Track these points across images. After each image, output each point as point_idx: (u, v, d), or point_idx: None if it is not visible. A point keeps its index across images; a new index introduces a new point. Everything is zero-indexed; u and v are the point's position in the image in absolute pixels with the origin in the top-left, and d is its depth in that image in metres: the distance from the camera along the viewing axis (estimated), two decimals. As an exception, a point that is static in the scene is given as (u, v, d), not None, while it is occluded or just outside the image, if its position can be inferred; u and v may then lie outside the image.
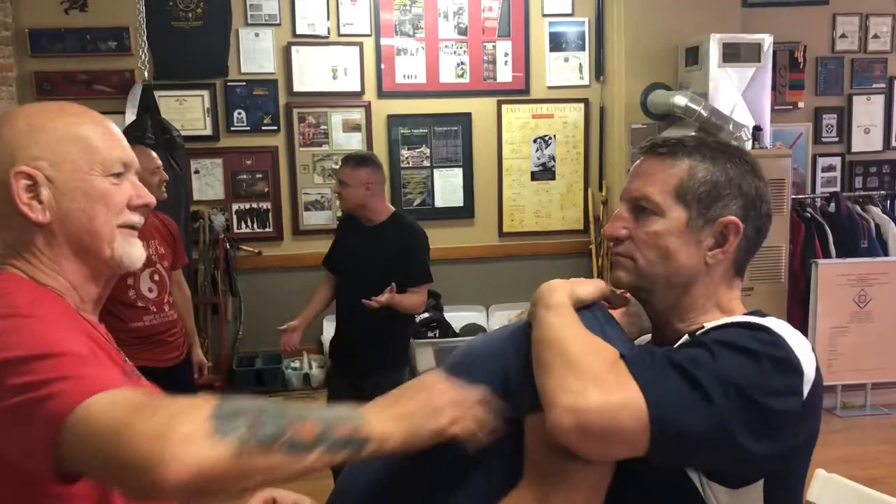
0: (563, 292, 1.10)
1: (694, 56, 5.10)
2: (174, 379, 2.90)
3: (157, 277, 3.04)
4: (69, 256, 1.12)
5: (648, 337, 1.27)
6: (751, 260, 1.21)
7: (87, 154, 1.11)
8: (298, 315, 3.44)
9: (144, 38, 4.21)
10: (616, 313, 1.22)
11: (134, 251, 1.16)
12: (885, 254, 5.24)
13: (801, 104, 5.71)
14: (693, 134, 1.08)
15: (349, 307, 3.30)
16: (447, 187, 5.38)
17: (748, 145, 4.88)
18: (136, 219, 1.16)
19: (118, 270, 1.17)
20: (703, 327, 1.13)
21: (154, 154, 3.14)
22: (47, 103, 1.17)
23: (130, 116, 4.54)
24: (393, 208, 3.42)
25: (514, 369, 1.09)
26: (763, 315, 1.13)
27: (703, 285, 1.16)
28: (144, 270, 2.98)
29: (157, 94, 4.78)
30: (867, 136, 5.88)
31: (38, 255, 1.11)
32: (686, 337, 1.14)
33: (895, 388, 4.93)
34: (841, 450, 4.20)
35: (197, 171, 5.06)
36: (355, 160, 3.32)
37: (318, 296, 3.53)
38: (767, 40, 5.04)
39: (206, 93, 5.03)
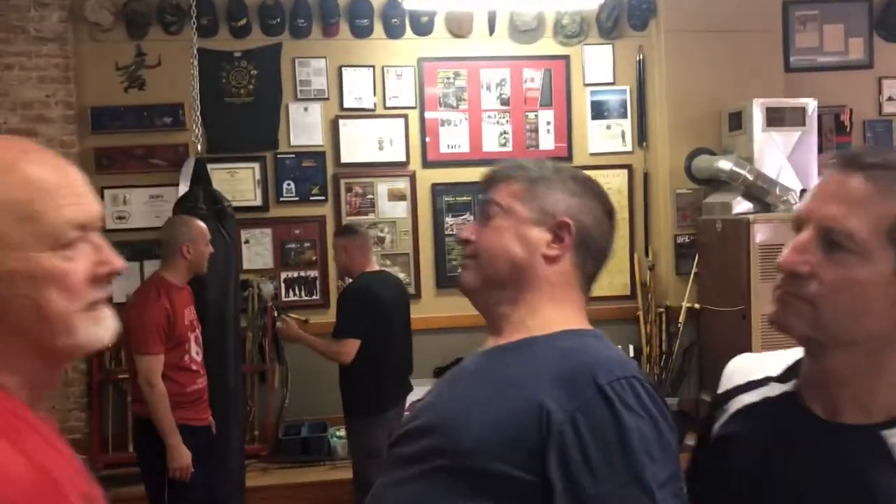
0: None
1: (737, 121, 5.11)
2: (205, 439, 3.18)
3: (199, 340, 3.15)
4: (18, 349, 0.87)
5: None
6: None
7: (25, 225, 0.84)
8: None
9: (198, 114, 4.37)
10: None
11: (101, 330, 0.91)
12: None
13: (849, 167, 5.64)
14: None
15: None
16: (491, 254, 5.40)
17: (795, 209, 4.83)
18: (102, 294, 0.91)
19: (80, 355, 0.99)
20: None
21: (205, 227, 3.24)
22: None
23: (184, 188, 4.69)
24: (367, 270, 3.89)
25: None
26: None
27: (891, 345, 0.93)
28: (192, 333, 3.09)
29: (209, 166, 4.91)
30: (920, 199, 5.77)
31: None
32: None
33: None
34: None
35: (247, 241, 5.18)
36: (336, 231, 4.17)
37: None
38: (812, 104, 5.04)
39: (256, 165, 5.18)
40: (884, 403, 0.93)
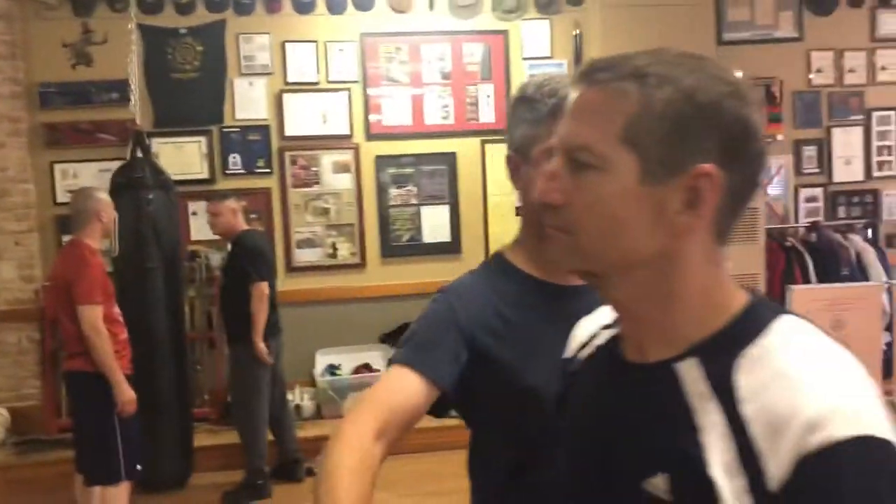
0: None
1: (667, 93, 5.29)
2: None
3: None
4: None
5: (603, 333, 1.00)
6: (737, 223, 0.86)
7: None
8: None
9: (136, 88, 4.53)
10: None
11: None
12: (866, 280, 5.33)
13: (779, 137, 5.86)
14: (648, 50, 0.83)
15: None
16: (435, 224, 5.59)
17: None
18: None
19: None
20: (701, 344, 0.82)
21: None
22: None
23: (132, 162, 4.84)
24: (244, 228, 4.49)
25: None
26: (781, 312, 0.82)
27: (678, 265, 0.83)
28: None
29: (156, 141, 5.10)
30: (848, 167, 6.01)
31: None
32: (687, 369, 0.81)
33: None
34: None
35: (195, 213, 5.33)
36: (218, 197, 4.57)
37: None
38: (738, 75, 5.22)
39: (203, 139, 5.33)
40: (684, 333, 0.83)
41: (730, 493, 0.74)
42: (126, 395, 3.37)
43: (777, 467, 0.71)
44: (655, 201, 0.80)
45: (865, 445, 0.69)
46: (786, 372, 0.75)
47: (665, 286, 0.83)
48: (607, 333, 0.97)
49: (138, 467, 3.51)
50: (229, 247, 4.53)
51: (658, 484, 0.80)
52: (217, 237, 4.70)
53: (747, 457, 0.74)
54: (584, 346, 1.02)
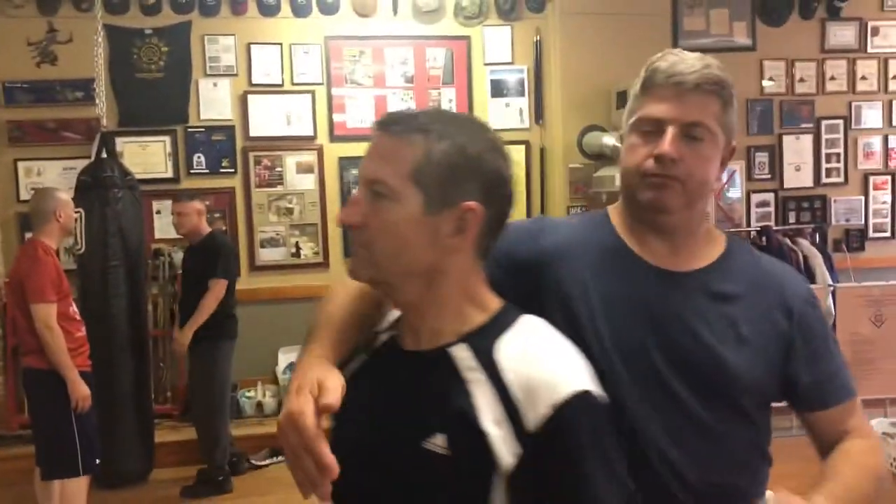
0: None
1: (624, 99, 5.42)
2: (91, 383, 3.57)
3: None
4: None
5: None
6: (494, 245, 1.15)
7: None
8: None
9: (102, 88, 4.58)
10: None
11: None
12: (812, 283, 5.53)
13: (733, 143, 6.04)
14: (433, 109, 1.07)
15: None
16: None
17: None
18: None
19: None
20: (465, 336, 1.08)
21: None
22: None
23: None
24: (208, 230, 4.62)
25: None
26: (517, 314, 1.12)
27: (446, 276, 1.08)
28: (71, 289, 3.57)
29: (121, 140, 5.16)
30: (798, 173, 6.22)
31: None
32: (459, 351, 1.07)
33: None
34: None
35: (159, 212, 5.39)
36: (184, 198, 4.67)
37: None
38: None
39: (167, 138, 5.39)
40: (454, 327, 1.09)
41: (499, 439, 1.00)
42: (79, 391, 3.44)
43: (534, 416, 1.00)
44: (433, 227, 1.05)
45: (587, 396, 1.02)
46: (533, 349, 1.06)
47: (438, 291, 1.08)
48: (386, 335, 1.20)
49: (97, 461, 3.59)
50: (189, 246, 4.62)
51: (437, 442, 1.02)
52: (181, 236, 4.76)
53: (510, 411, 1.01)
54: (358, 349, 1.21)
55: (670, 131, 1.25)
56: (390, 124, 1.07)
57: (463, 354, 1.06)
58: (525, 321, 1.11)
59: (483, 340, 1.07)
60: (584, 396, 1.02)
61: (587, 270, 1.30)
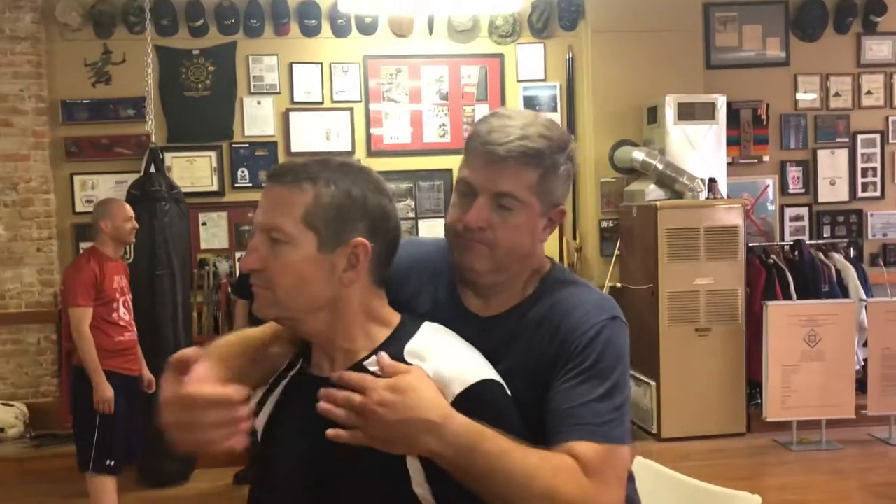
0: None
1: (654, 115, 5.55)
2: (133, 387, 3.75)
3: (127, 305, 3.78)
4: None
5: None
6: (388, 269, 1.25)
7: None
8: None
9: (152, 107, 4.85)
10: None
11: None
12: (846, 298, 5.52)
13: (765, 158, 6.08)
14: (317, 158, 1.21)
15: None
16: (431, 235, 5.86)
17: (702, 196, 5.29)
18: None
19: None
20: (374, 351, 1.19)
21: (128, 206, 3.87)
22: None
23: (145, 175, 5.17)
24: None
25: None
26: (413, 331, 1.22)
27: (349, 304, 1.20)
28: (121, 297, 3.71)
29: (170, 155, 5.43)
30: (833, 188, 6.21)
31: None
32: (375, 361, 1.16)
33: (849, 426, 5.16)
34: (782, 478, 4.46)
35: (204, 223, 5.65)
36: None
37: None
38: (721, 100, 5.47)
39: (213, 153, 5.66)
40: (362, 344, 1.21)
41: None
42: (101, 393, 3.59)
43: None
44: (328, 264, 1.17)
45: (490, 383, 1.18)
46: (436, 349, 1.19)
47: (345, 318, 1.20)
48: (299, 364, 1.30)
49: (109, 462, 3.70)
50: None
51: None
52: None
53: None
54: (275, 381, 1.32)
55: (480, 199, 1.25)
56: (281, 175, 1.18)
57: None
58: (426, 328, 1.24)
59: (392, 349, 1.19)
60: (486, 383, 1.17)
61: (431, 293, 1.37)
